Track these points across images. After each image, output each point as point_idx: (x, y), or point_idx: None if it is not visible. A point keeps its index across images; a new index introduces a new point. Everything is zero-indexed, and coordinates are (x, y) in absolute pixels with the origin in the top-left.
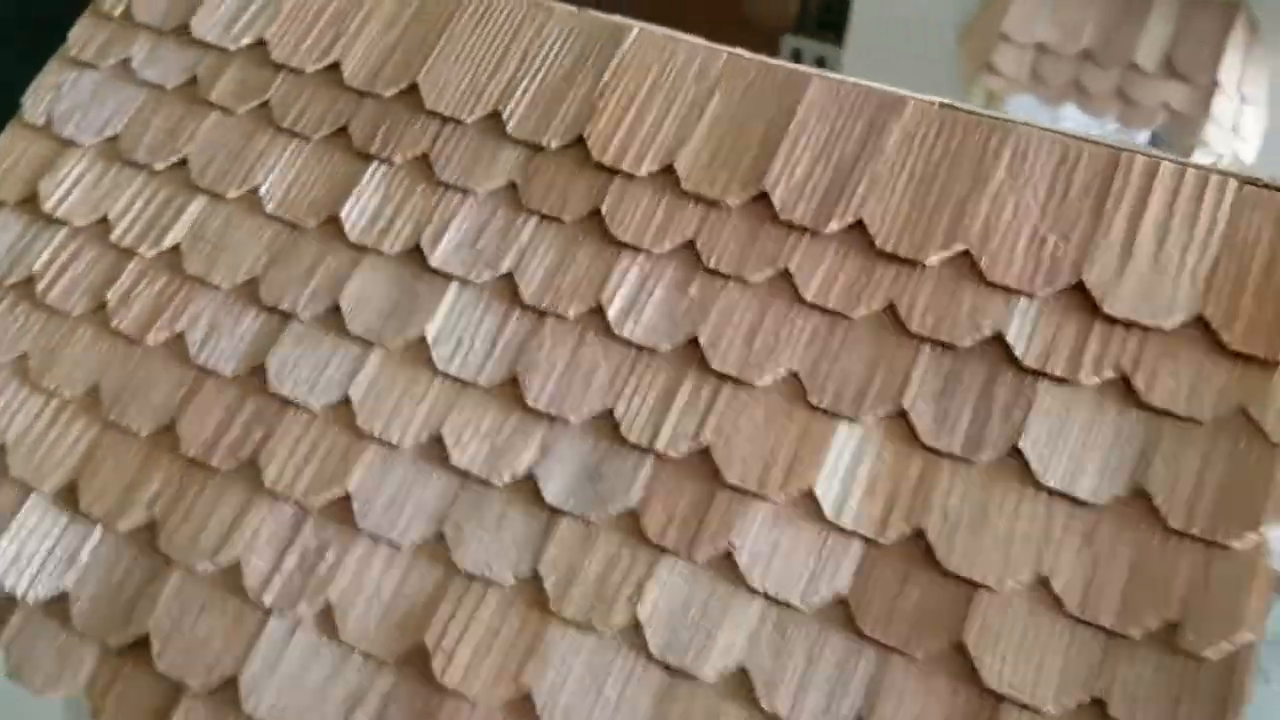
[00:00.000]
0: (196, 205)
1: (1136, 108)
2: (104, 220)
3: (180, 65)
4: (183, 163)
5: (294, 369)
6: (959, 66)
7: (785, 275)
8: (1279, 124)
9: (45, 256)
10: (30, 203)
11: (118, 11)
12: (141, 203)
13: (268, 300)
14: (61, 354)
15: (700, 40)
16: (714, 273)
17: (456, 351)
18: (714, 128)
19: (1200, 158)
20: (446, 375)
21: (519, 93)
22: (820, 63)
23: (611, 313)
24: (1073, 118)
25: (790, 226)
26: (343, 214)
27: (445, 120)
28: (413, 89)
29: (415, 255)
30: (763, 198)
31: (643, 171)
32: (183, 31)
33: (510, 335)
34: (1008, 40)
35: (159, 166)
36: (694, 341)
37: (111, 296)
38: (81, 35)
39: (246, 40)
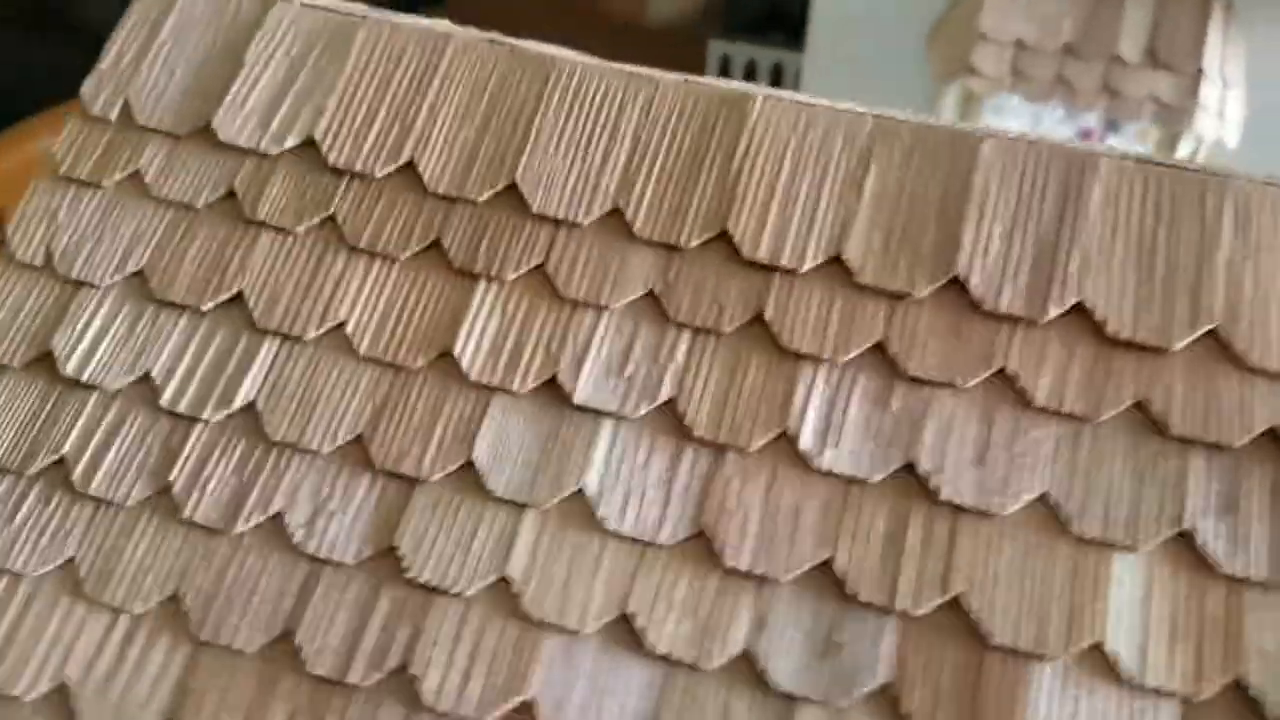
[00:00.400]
0: (266, 351)
1: (1124, 100)
2: (147, 379)
3: (210, 176)
4: (237, 298)
5: (433, 546)
6: (930, 68)
7: (1004, 376)
8: (1256, 106)
9: (77, 432)
10: (44, 364)
11: (112, 113)
12: (193, 354)
13: (383, 462)
14: (122, 556)
15: (827, 101)
16: (916, 380)
17: (626, 506)
18: (879, 206)
19: (1185, 145)
20: (619, 536)
21: (639, 184)
22: (750, 68)
23: (804, 441)
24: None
25: (997, 317)
26: (456, 348)
27: (558, 224)
28: (511, 189)
29: (553, 390)
30: (955, 284)
31: (806, 266)
32: (204, 134)
33: (686, 479)
34: (985, 39)
35: (206, 306)
36: (910, 466)
37: (176, 476)
38: (70, 146)
39: (291, 141)
